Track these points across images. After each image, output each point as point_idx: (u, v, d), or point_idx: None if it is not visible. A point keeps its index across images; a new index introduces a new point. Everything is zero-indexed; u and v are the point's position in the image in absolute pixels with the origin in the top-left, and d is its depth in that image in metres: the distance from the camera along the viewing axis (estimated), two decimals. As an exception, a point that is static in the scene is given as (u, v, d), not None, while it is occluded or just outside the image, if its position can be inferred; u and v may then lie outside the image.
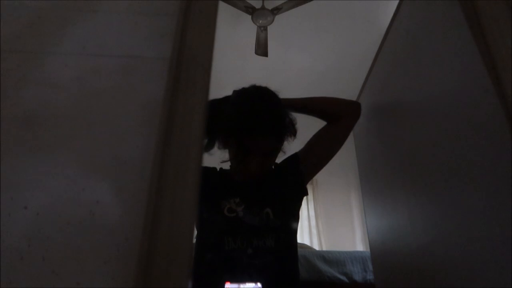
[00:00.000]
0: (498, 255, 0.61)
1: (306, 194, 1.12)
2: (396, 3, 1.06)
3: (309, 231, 4.25)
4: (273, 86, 1.05)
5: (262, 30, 2.93)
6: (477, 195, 0.68)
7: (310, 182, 4.30)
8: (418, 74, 0.93)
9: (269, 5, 2.79)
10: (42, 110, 0.53)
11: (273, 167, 1.12)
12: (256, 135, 0.93)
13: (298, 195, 1.10)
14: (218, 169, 1.13)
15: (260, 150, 0.95)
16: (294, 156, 1.12)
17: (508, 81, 0.60)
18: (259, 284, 0.87)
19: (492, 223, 0.63)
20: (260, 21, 2.84)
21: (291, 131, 1.03)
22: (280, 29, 3.16)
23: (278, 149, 1.01)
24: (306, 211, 4.33)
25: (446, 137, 0.79)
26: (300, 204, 1.12)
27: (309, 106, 1.16)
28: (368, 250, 1.51)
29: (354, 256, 2.23)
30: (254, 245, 0.94)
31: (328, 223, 4.35)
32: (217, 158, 1.06)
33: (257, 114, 0.93)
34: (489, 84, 0.62)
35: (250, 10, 2.76)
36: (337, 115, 1.12)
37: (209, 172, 1.10)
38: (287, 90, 1.11)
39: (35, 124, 0.52)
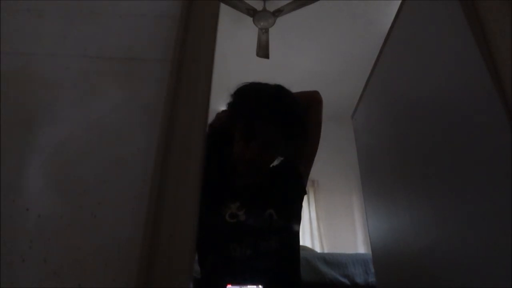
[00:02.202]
0: (499, 256, 0.61)
1: (306, 192, 1.13)
2: (397, 4, 1.06)
3: (310, 233, 4.24)
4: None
5: (263, 32, 2.93)
6: (478, 196, 0.68)
7: (311, 184, 4.31)
8: (419, 75, 0.93)
9: (271, 7, 2.80)
10: (42, 111, 0.53)
11: (270, 166, 1.11)
12: (269, 121, 0.93)
13: (299, 195, 1.10)
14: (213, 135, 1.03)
15: (264, 136, 0.95)
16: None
17: (509, 81, 0.60)
18: (260, 287, 0.87)
19: (493, 224, 0.63)
20: (262, 23, 2.84)
21: (301, 139, 1.03)
22: (281, 31, 3.16)
23: (279, 146, 1.01)
24: (307, 213, 4.31)
25: (448, 138, 0.79)
26: (301, 204, 1.12)
27: None
28: (370, 252, 1.50)
29: (355, 258, 2.22)
30: (260, 248, 0.94)
31: (329, 225, 4.33)
32: None
33: (279, 101, 0.95)
34: (490, 84, 0.62)
35: (252, 12, 2.76)
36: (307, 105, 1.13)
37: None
38: (288, 91, 1.11)
39: (36, 125, 0.52)
